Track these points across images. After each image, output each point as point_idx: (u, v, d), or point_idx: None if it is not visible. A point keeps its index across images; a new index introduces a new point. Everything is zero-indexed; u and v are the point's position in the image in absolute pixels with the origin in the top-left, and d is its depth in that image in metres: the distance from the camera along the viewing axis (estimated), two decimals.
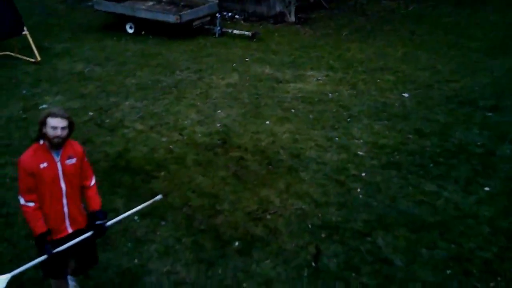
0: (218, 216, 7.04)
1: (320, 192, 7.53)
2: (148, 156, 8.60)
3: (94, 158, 8.43)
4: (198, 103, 10.76)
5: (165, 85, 11.84)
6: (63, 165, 4.61)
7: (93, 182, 5.00)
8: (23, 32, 13.40)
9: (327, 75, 12.29)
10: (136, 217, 6.91)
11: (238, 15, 18.50)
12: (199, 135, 9.34)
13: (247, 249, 6.37)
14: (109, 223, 4.99)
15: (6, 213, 7.06)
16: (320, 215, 7.01)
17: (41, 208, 4.61)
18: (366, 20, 17.59)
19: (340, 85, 11.63)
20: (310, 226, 6.79)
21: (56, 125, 4.44)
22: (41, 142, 4.55)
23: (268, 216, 7.01)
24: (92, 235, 4.85)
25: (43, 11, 19.25)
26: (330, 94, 11.11)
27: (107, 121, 9.90)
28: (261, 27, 17.16)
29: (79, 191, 4.86)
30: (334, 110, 10.30)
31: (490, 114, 10.00)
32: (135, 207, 5.35)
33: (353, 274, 5.93)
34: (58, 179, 4.61)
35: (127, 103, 10.79)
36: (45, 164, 4.52)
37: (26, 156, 4.52)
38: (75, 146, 4.79)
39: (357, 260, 6.16)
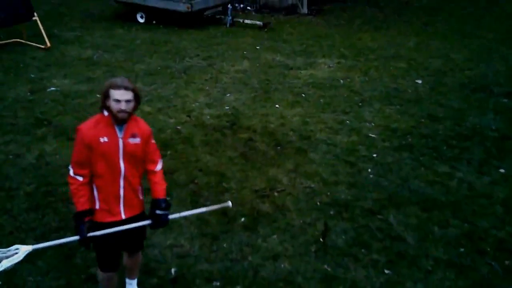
0: (225, 193, 6.86)
1: (329, 172, 7.34)
2: (155, 136, 8.35)
3: None
4: (207, 88, 10.62)
5: (174, 71, 11.71)
6: (125, 142, 4.05)
7: (159, 167, 4.39)
8: (33, 18, 13.31)
9: (338, 63, 12.13)
10: None
11: (249, 6, 18.39)
12: (207, 117, 9.18)
13: (254, 224, 6.19)
14: (171, 216, 4.42)
15: (8, 187, 6.91)
16: (329, 193, 6.82)
17: (95, 185, 4.14)
18: (379, 12, 17.44)
19: (351, 72, 11.45)
20: (318, 203, 6.60)
21: (119, 97, 3.88)
22: (105, 113, 4.01)
23: (276, 194, 6.82)
24: (150, 224, 4.34)
25: (54, 0, 19.21)
26: (341, 80, 10.94)
27: None
28: (272, 18, 17.04)
29: (140, 174, 4.31)
30: (346, 95, 10.13)
31: (505, 100, 9.80)
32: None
33: (363, 250, 5.73)
34: (117, 158, 4.06)
35: None
36: (105, 139, 3.98)
37: (87, 126, 4.00)
38: (142, 124, 4.22)
39: (366, 237, 5.96)
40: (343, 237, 5.96)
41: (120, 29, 15.46)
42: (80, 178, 4.06)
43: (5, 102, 9.74)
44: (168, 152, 7.92)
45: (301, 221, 6.24)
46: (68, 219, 6.22)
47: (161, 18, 16.00)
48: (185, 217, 4.67)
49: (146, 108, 9.46)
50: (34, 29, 13.53)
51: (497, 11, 16.93)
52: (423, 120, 8.94)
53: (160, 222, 4.36)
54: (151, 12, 16.07)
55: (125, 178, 4.14)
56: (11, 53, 12.80)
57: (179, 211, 6.33)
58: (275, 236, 5.97)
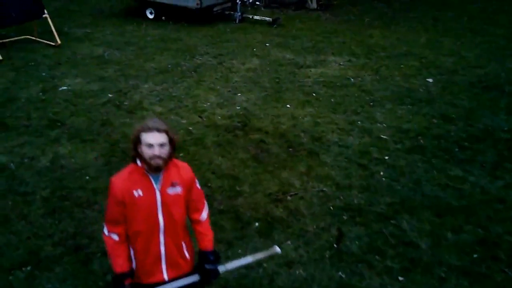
0: (238, 197, 6.90)
1: (342, 175, 7.36)
2: None
3: (113, 138, 8.40)
4: (218, 87, 10.64)
5: (184, 69, 11.73)
6: (163, 194, 3.61)
7: (204, 215, 3.96)
8: (44, 15, 13.34)
9: (349, 61, 12.10)
10: None
11: (258, 1, 18.34)
12: (219, 117, 9.21)
13: (268, 230, 6.23)
14: (222, 269, 3.93)
15: (24, 192, 6.97)
16: (342, 197, 6.85)
17: (131, 244, 3.76)
18: (388, 7, 17.35)
19: (362, 70, 11.43)
20: (332, 208, 6.63)
21: (151, 141, 3.44)
22: (139, 163, 3.59)
23: (289, 198, 6.86)
24: (199, 280, 3.87)
25: None
26: (352, 79, 10.92)
27: (126, 103, 9.81)
28: (281, 13, 16.98)
29: (183, 227, 3.81)
30: (356, 95, 10.12)
31: None
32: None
33: (377, 257, 5.76)
34: (155, 211, 3.63)
35: (146, 86, 10.70)
36: (139, 192, 3.57)
37: (119, 179, 3.61)
38: (183, 170, 3.75)
39: (380, 243, 5.99)
40: (357, 243, 5.99)
41: (130, 26, 15.49)
42: (116, 237, 3.71)
43: (18, 103, 9.79)
44: (181, 154, 7.94)
45: (315, 226, 6.27)
46: (84, 224, 6.30)
47: (170, 14, 15.99)
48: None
49: (158, 109, 9.52)
50: (44, 25, 13.58)
51: (508, 7, 16.81)
52: (435, 121, 8.93)
53: (209, 277, 3.88)
54: (160, 8, 16.07)
55: (165, 233, 3.71)
56: (22, 51, 12.85)
57: None
58: (289, 242, 6.01)
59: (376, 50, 12.81)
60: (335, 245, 5.95)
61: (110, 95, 10.14)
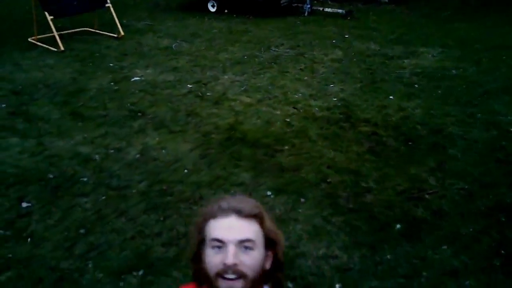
0: (367, 194, 5.88)
1: (481, 171, 6.28)
2: (264, 129, 7.52)
3: (204, 129, 7.49)
4: (305, 78, 9.65)
5: (262, 60, 10.77)
6: None
7: None
8: (106, 4, 12.56)
9: (442, 52, 11.00)
10: (269, 193, 5.85)
11: None
12: (316, 109, 8.21)
13: (414, 232, 5.19)
14: None
15: (117, 186, 6.06)
16: (490, 196, 5.78)
17: None
18: (465, 2, 16.15)
19: (461, 62, 10.30)
20: (483, 208, 5.57)
21: (223, 235, 1.67)
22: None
23: (427, 196, 5.81)
24: None
25: None
26: (453, 71, 9.82)
27: (209, 94, 8.89)
28: (351, 6, 15.95)
29: None
30: (464, 86, 9.02)
31: None
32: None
33: None
34: None
35: (226, 76, 9.77)
36: None
37: None
38: None
39: None
40: None
41: (192, 19, 14.64)
42: None
43: (90, 93, 8.96)
44: (286, 147, 6.98)
45: (471, 229, 5.23)
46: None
47: (234, 7, 15.08)
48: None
49: (246, 99, 8.57)
50: (101, 18, 12.85)
51: None
52: None
53: None
54: (223, 1, 15.18)
55: None
56: (83, 43, 12.06)
57: (321, 214, 5.47)
58: (445, 247, 4.97)
59: (469, 42, 11.66)
60: (502, 251, 4.91)
61: (189, 86, 9.24)
